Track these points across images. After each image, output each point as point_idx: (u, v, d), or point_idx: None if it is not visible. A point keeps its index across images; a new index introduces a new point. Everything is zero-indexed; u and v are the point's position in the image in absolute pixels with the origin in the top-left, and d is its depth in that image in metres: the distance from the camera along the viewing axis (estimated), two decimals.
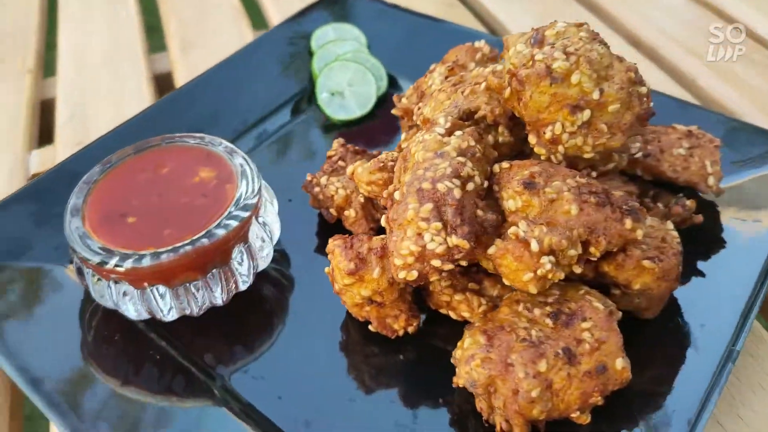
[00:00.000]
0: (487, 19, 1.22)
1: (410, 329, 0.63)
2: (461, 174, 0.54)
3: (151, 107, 0.91)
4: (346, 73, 0.93)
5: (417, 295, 0.64)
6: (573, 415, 0.53)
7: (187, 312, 0.65)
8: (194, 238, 0.62)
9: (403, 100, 0.76)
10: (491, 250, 0.54)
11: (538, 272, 0.52)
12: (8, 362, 0.60)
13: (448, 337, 0.61)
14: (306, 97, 0.95)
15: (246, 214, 0.64)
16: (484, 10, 1.23)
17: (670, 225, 0.60)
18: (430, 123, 0.61)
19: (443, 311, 0.63)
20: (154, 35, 1.29)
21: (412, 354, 0.63)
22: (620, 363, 0.52)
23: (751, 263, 0.63)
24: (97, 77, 1.12)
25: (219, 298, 0.66)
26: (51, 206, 0.75)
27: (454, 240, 0.53)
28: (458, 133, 0.58)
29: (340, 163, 0.75)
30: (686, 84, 1.00)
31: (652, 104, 0.57)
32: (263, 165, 0.85)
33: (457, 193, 0.53)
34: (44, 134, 1.07)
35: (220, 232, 0.63)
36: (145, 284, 0.62)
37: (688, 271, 0.64)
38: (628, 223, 0.53)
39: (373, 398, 0.60)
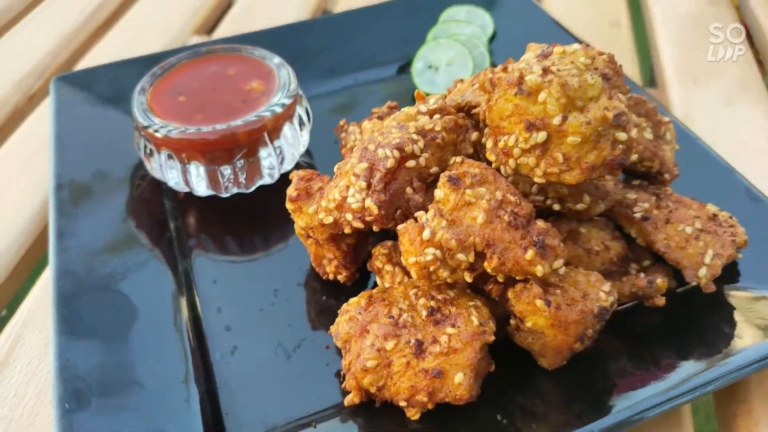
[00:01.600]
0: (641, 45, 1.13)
1: (340, 277, 0.67)
2: (405, 149, 0.56)
3: (284, 26, 1.03)
4: (449, 51, 0.95)
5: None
6: (402, 404, 0.54)
7: (216, 192, 0.77)
8: (214, 126, 0.73)
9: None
10: (400, 227, 0.56)
11: (419, 259, 0.53)
12: (53, 165, 0.77)
13: None
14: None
15: (257, 124, 0.73)
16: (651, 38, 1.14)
17: (606, 287, 0.55)
18: (423, 99, 0.63)
19: (377, 278, 0.66)
20: None
21: (339, 299, 0.67)
22: (459, 378, 0.52)
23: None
24: None
25: (243, 185, 0.76)
26: None
27: (368, 202, 0.56)
28: (437, 116, 0.60)
29: (376, 119, 0.80)
30: None
31: (634, 157, 0.53)
32: (338, 103, 0.94)
33: (390, 163, 0.56)
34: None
35: (236, 124, 0.73)
36: (184, 157, 0.75)
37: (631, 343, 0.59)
38: (530, 254, 0.51)
39: (276, 313, 0.66)
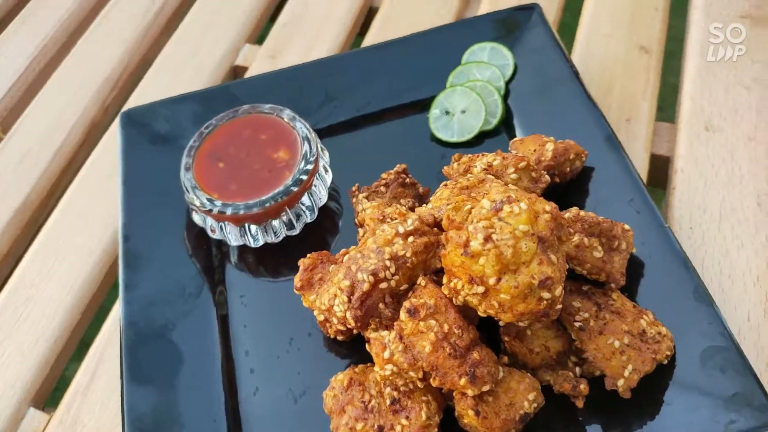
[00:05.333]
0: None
1: (339, 338, 0.84)
2: (378, 275, 0.70)
3: (314, 62, 1.12)
4: (464, 99, 1.03)
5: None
6: None
7: (269, 240, 0.93)
8: (263, 201, 0.88)
9: (455, 165, 0.88)
10: (372, 335, 0.71)
11: (381, 372, 0.69)
12: (122, 214, 0.96)
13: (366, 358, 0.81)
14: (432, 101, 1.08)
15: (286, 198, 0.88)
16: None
17: (531, 396, 0.70)
18: (404, 217, 0.75)
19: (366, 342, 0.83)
20: None
21: (341, 352, 0.85)
22: None
23: None
24: None
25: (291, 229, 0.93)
26: (209, 113, 1.04)
27: (348, 315, 0.71)
28: (411, 238, 0.73)
29: (382, 189, 0.92)
30: None
31: (558, 307, 0.65)
32: (360, 142, 1.06)
33: (365, 287, 0.70)
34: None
35: (267, 203, 0.88)
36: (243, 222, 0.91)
37: None
38: (463, 381, 0.66)
39: (289, 362, 0.84)
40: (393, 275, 0.71)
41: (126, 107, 1.19)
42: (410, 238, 0.73)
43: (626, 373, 0.71)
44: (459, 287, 0.67)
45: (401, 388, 0.73)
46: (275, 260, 0.94)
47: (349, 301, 0.71)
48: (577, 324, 0.74)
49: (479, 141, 1.03)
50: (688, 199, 0.95)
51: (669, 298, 0.79)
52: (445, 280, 0.70)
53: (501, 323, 0.73)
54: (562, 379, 0.74)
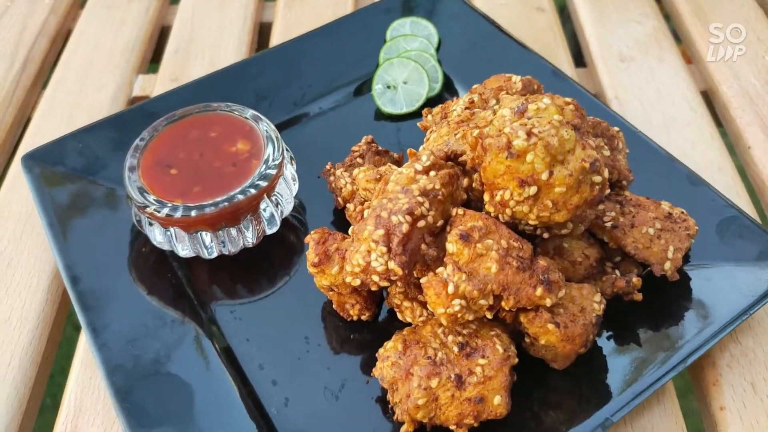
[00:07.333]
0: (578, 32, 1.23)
1: (363, 317, 0.75)
2: (415, 213, 0.64)
3: (237, 64, 1.05)
4: (404, 70, 1.01)
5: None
6: (452, 426, 0.64)
7: (225, 252, 0.81)
8: (216, 200, 0.77)
9: (429, 117, 0.85)
10: (423, 280, 0.64)
11: (448, 310, 0.62)
12: (59, 258, 0.80)
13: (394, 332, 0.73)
14: (369, 82, 1.05)
15: (255, 192, 0.78)
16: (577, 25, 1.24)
17: (597, 297, 0.67)
18: (415, 156, 0.70)
19: (397, 312, 0.75)
20: None
21: (363, 335, 0.76)
22: (497, 400, 0.62)
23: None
24: (208, 15, 1.27)
25: (250, 240, 0.82)
26: (130, 137, 0.92)
27: (391, 265, 0.64)
28: (432, 173, 0.68)
29: (359, 160, 0.86)
30: None
31: (608, 191, 0.63)
32: (309, 135, 0.99)
33: (405, 228, 0.63)
34: (156, 57, 1.26)
35: (238, 198, 0.77)
36: (192, 229, 0.79)
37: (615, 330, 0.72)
38: (539, 291, 0.61)
39: (314, 360, 0.74)
40: (429, 210, 0.65)
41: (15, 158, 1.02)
42: (431, 173, 0.68)
43: (669, 255, 0.71)
44: (506, 198, 0.63)
45: (464, 332, 0.66)
46: (250, 269, 0.83)
47: (389, 250, 0.64)
48: (608, 224, 0.73)
49: None
50: (631, 110, 1.02)
51: (667, 190, 0.82)
52: (486, 197, 0.65)
53: (542, 237, 0.70)
54: (610, 282, 0.72)
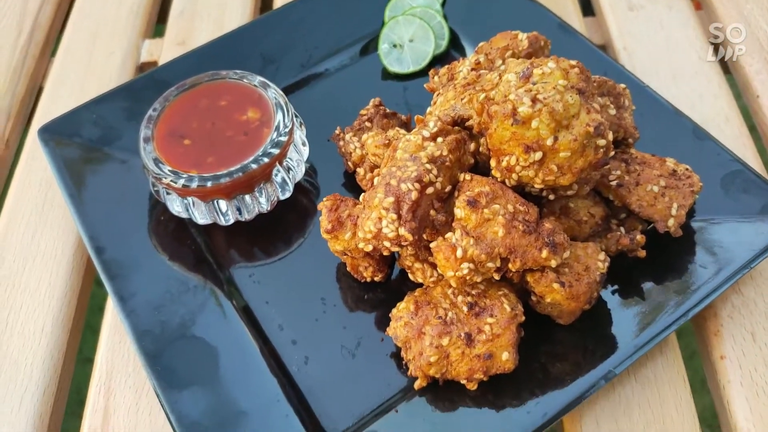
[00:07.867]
0: None
1: (376, 278, 0.78)
2: (423, 180, 0.66)
3: (242, 28, 1.05)
4: (409, 28, 1.01)
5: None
6: (462, 381, 0.68)
7: (241, 218, 0.84)
8: (230, 170, 0.79)
9: (435, 78, 0.85)
10: (432, 245, 0.67)
11: (457, 273, 0.64)
12: (83, 230, 0.83)
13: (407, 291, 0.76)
14: (374, 41, 1.05)
15: (268, 160, 0.80)
16: None
17: (601, 256, 0.69)
18: (423, 123, 0.72)
19: (409, 273, 0.78)
20: None
21: (377, 295, 0.79)
22: (506, 356, 0.66)
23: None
24: None
25: (264, 207, 0.84)
26: (142, 106, 0.94)
27: (401, 231, 0.66)
28: (440, 139, 0.69)
29: (367, 123, 0.87)
30: None
31: (612, 154, 0.64)
32: (317, 97, 1.00)
33: (414, 195, 0.66)
34: (162, 18, 1.25)
35: (252, 167, 0.80)
36: (208, 198, 0.81)
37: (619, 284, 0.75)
38: (545, 253, 0.64)
39: (330, 320, 0.77)
40: (437, 177, 0.67)
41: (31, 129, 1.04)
42: (439, 139, 0.69)
43: (673, 212, 0.73)
44: (512, 163, 0.65)
45: (473, 292, 0.69)
46: (266, 234, 0.85)
47: (399, 217, 0.66)
48: (613, 183, 0.74)
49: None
50: (640, 61, 1.01)
51: (673, 145, 0.82)
52: (493, 163, 0.67)
53: (548, 198, 0.72)
54: (614, 240, 0.74)
